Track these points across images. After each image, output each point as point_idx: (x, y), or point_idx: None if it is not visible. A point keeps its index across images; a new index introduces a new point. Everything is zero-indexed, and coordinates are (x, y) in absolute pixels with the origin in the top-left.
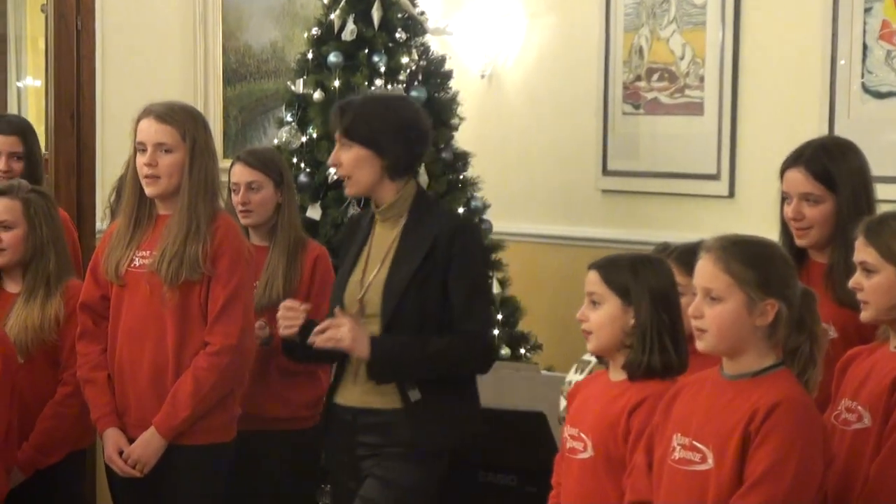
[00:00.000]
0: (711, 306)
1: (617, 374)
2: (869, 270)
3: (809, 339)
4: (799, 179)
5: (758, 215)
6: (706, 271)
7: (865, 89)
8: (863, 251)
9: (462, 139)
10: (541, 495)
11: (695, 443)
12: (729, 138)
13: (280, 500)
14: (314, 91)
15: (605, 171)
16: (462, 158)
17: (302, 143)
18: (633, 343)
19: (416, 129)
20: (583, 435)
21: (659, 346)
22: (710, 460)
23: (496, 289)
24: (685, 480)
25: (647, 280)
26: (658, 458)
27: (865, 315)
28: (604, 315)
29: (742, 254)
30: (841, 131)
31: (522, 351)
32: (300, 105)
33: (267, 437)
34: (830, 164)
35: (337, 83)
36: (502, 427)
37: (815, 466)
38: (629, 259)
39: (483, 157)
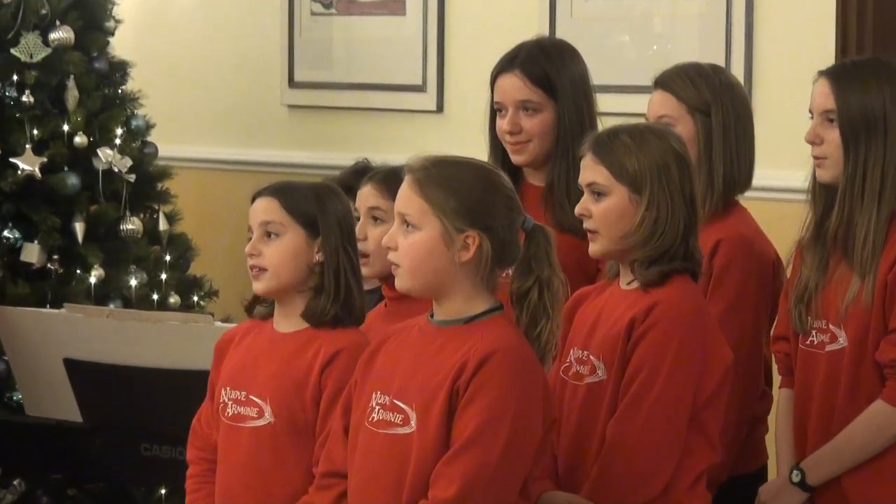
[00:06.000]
0: (406, 236)
1: (288, 324)
2: (598, 193)
3: (539, 285)
4: (515, 85)
5: (470, 132)
6: (402, 195)
7: None
8: (591, 170)
9: (120, 46)
10: None
11: (396, 402)
12: (436, 43)
13: None
14: None
15: (292, 84)
16: (120, 69)
17: None
18: (317, 283)
19: None
20: (254, 398)
21: (346, 289)
22: (413, 422)
23: (162, 225)
24: (384, 446)
25: (335, 210)
26: (355, 421)
27: (595, 248)
28: (284, 249)
29: (442, 177)
30: (562, 33)
31: (195, 299)
32: None
33: None
34: (549, 66)
35: None
36: (168, 390)
37: (533, 426)
38: (310, 186)
39: (146, 67)
